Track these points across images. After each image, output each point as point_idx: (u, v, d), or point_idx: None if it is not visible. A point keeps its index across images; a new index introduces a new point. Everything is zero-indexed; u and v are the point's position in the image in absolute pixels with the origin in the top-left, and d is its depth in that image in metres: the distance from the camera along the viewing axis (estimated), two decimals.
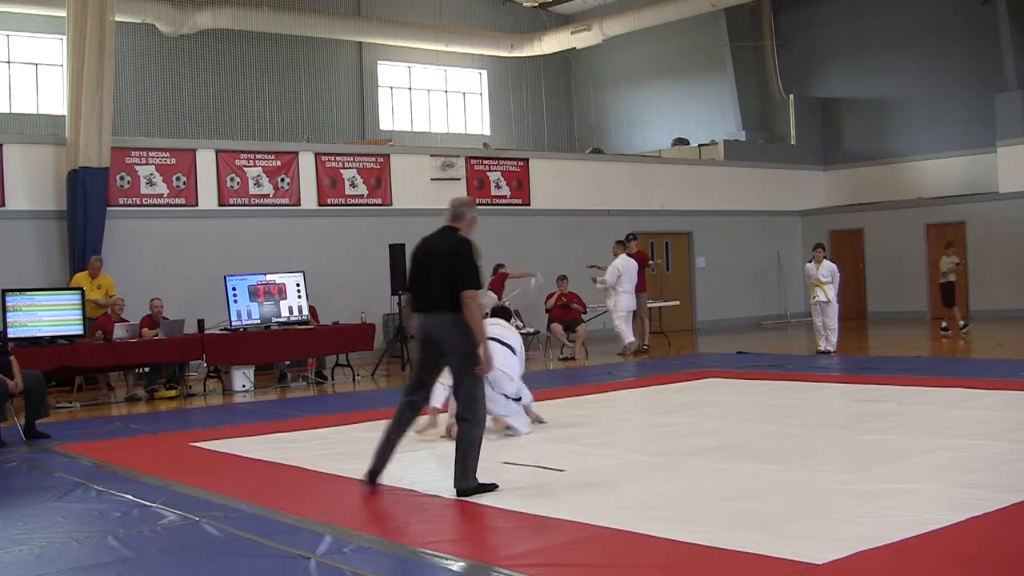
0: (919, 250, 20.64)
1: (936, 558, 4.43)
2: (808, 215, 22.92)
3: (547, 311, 16.07)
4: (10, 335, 10.71)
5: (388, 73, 23.89)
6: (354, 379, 13.60)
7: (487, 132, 24.86)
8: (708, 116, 23.82)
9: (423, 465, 7.33)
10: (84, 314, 12.02)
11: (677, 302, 19.45)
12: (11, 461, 8.11)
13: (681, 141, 23.07)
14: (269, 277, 13.52)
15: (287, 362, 13.82)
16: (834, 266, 14.53)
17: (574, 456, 7.04)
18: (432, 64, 24.34)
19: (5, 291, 11.60)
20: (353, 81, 23.09)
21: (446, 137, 24.08)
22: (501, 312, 9.08)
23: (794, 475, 6.19)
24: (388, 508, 5.85)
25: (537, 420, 8.55)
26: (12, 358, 9.21)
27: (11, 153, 14.47)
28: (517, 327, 9.01)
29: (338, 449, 7.93)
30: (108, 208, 14.66)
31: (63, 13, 14.93)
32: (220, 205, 15.90)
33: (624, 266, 15.39)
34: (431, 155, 18.40)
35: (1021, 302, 19.13)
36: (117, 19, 15.25)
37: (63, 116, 15.37)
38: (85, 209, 14.28)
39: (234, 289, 13.09)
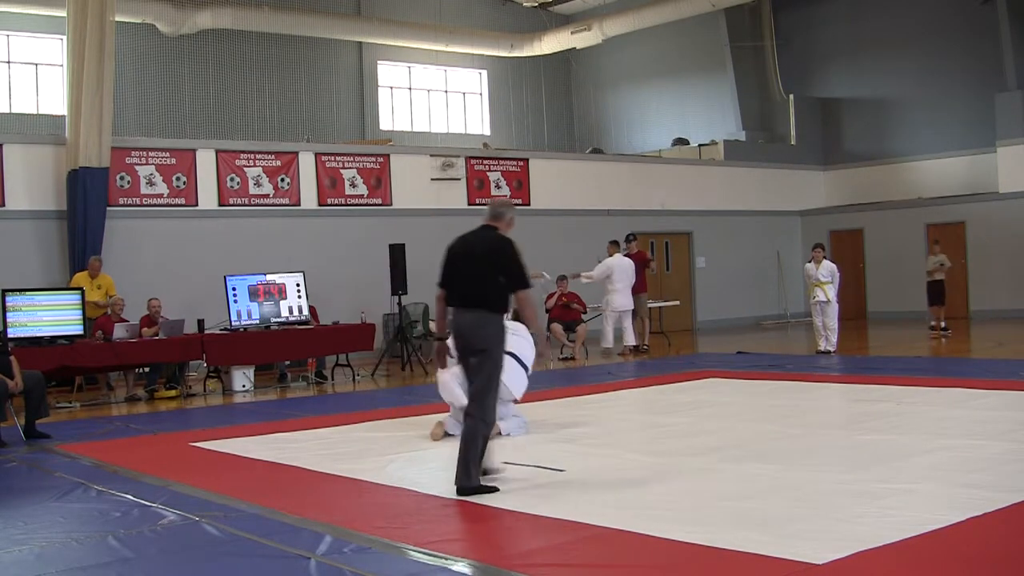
0: (919, 250, 20.60)
1: (936, 558, 4.43)
2: (808, 215, 22.92)
3: (547, 311, 16.06)
4: (10, 335, 10.71)
5: (388, 73, 23.89)
6: (354, 379, 13.60)
7: (487, 132, 24.86)
8: (708, 116, 23.82)
9: (423, 465, 7.33)
10: (84, 314, 12.02)
11: (677, 302, 19.45)
12: (11, 461, 8.11)
13: (681, 141, 23.07)
14: (269, 277, 13.52)
15: (287, 362, 13.82)
16: (834, 266, 14.53)
17: (574, 456, 7.04)
18: (432, 64, 24.35)
19: (5, 291, 11.60)
20: (353, 81, 23.09)
21: (446, 137, 24.08)
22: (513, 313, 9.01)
23: (794, 475, 6.19)
24: (388, 508, 5.85)
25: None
26: (12, 358, 9.21)
27: (11, 153, 14.47)
28: None
29: (338, 449, 7.93)
30: (108, 208, 14.66)
31: (63, 13, 14.93)
32: (220, 205, 15.90)
33: (616, 264, 15.38)
34: (431, 155, 18.40)
35: (1021, 302, 19.13)
36: (117, 19, 15.25)
37: (63, 116, 15.37)
38: (85, 209, 14.27)
39: (234, 289, 13.09)
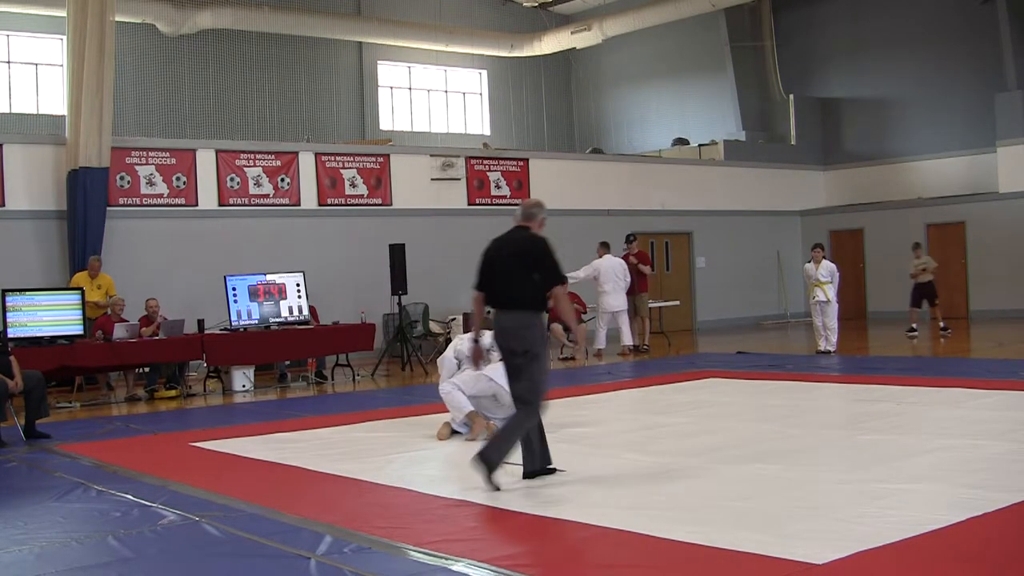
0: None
1: (936, 558, 4.43)
2: (808, 215, 22.92)
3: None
4: (10, 335, 10.71)
5: (388, 73, 23.89)
6: (354, 379, 13.60)
7: (487, 132, 24.86)
8: (708, 116, 23.82)
9: (423, 465, 7.34)
10: (84, 314, 12.02)
11: (677, 302, 19.45)
12: (11, 461, 8.11)
13: (681, 141, 23.07)
14: (269, 277, 13.52)
15: (287, 362, 13.82)
16: (833, 266, 14.54)
17: (574, 456, 7.03)
18: (432, 64, 24.34)
19: (5, 291, 11.60)
20: (353, 81, 23.09)
21: (446, 137, 24.08)
22: None
23: (794, 475, 6.19)
24: (388, 508, 5.85)
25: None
26: (12, 358, 9.21)
27: (11, 153, 14.47)
28: None
29: (338, 449, 7.93)
30: (108, 208, 14.66)
31: (63, 13, 14.93)
32: (220, 205, 15.90)
33: (603, 266, 15.37)
34: (431, 155, 18.40)
35: (1021, 302, 19.13)
36: (117, 19, 15.24)
37: (63, 116, 15.37)
38: (85, 209, 14.27)
39: (234, 289, 13.09)
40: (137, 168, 15.22)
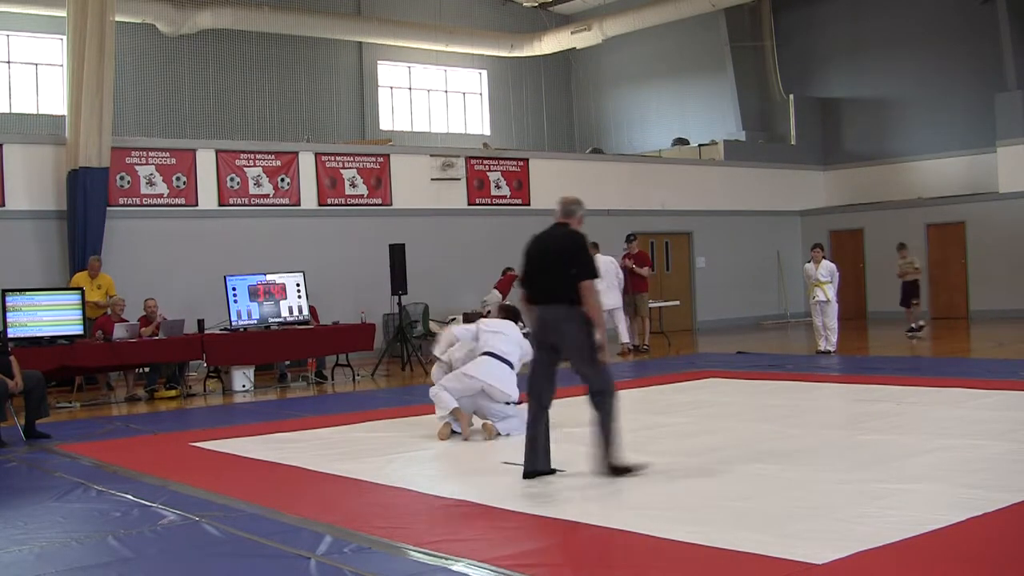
0: (919, 250, 20.60)
1: (936, 558, 4.43)
2: (808, 215, 22.92)
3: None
4: (10, 335, 10.71)
5: (388, 73, 23.88)
6: (354, 379, 13.60)
7: (487, 132, 24.86)
8: (708, 116, 23.81)
9: (423, 465, 7.34)
10: (84, 314, 12.02)
11: (677, 302, 19.45)
12: (11, 461, 8.11)
13: (681, 141, 23.07)
14: (269, 277, 13.52)
15: (287, 362, 13.82)
16: (833, 266, 14.54)
17: (574, 456, 7.03)
18: (432, 64, 24.34)
19: (5, 291, 11.60)
20: (353, 81, 23.09)
21: (446, 137, 24.08)
22: (508, 312, 9.05)
23: (794, 475, 6.19)
24: (388, 508, 5.85)
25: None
26: (12, 358, 9.21)
27: (11, 153, 14.47)
28: (518, 327, 8.98)
29: (338, 449, 7.93)
30: (108, 208, 14.66)
31: (63, 13, 14.93)
32: (220, 205, 15.90)
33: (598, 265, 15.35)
34: (431, 155, 18.40)
35: (1021, 302, 19.13)
36: (117, 19, 15.24)
37: (63, 116, 15.37)
38: (85, 209, 14.27)
39: (234, 289, 13.09)
40: (137, 168, 15.22)
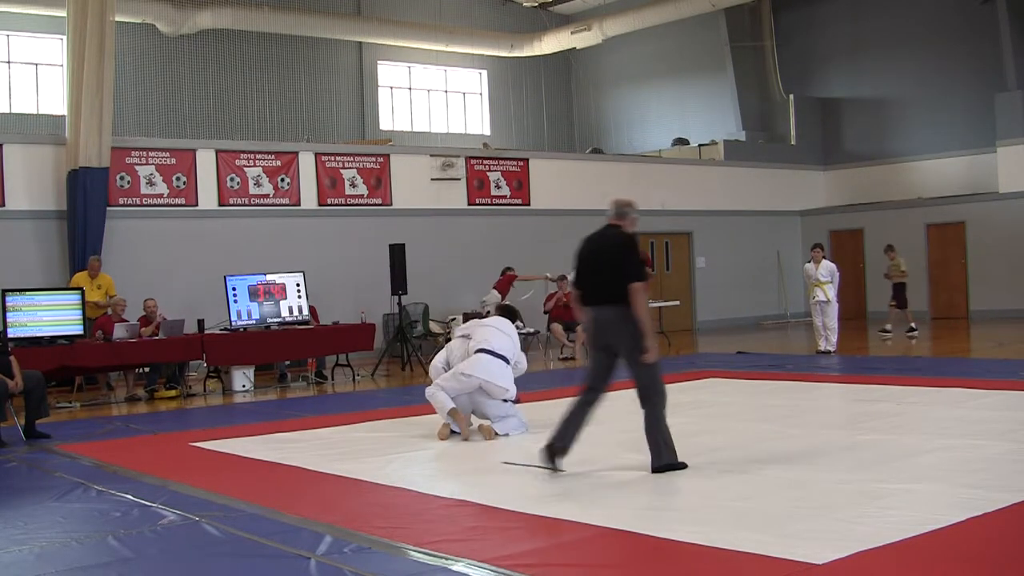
0: (919, 250, 20.61)
1: (936, 558, 4.43)
2: (808, 215, 22.92)
3: (545, 312, 16.06)
4: (10, 335, 10.71)
5: (388, 73, 23.88)
6: (354, 379, 13.60)
7: (487, 132, 24.86)
8: (708, 116, 23.82)
9: (423, 465, 7.34)
10: (84, 314, 12.02)
11: (677, 302, 19.44)
12: (11, 461, 8.11)
13: (681, 141, 23.07)
14: (269, 277, 13.52)
15: (287, 362, 13.82)
16: (833, 266, 14.54)
17: (574, 456, 7.03)
18: (432, 64, 24.34)
19: (5, 291, 11.60)
20: (353, 81, 23.09)
21: (446, 137, 24.08)
22: (506, 311, 9.03)
23: (794, 475, 6.19)
24: (388, 508, 5.85)
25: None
26: (12, 358, 9.21)
27: (11, 153, 14.47)
28: (517, 327, 8.98)
29: (338, 449, 7.93)
30: (108, 208, 14.66)
31: (63, 13, 14.93)
32: (220, 205, 15.90)
33: None
34: (431, 155, 18.40)
35: (1021, 302, 19.13)
36: (117, 19, 15.25)
37: (63, 116, 15.37)
38: (85, 209, 14.27)
39: (234, 289, 13.09)
40: (137, 168, 15.22)
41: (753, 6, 22.96)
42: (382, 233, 16.31)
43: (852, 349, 15.12)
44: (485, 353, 8.13)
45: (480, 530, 5.27)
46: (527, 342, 13.74)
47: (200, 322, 12.82)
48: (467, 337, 8.44)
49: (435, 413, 8.36)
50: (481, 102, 25.49)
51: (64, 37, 15.43)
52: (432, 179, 18.02)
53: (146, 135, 17.52)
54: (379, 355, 15.19)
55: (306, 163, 16.75)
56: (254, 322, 13.08)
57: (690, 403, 9.81)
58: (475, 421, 8.28)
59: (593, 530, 5.09)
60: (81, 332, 11.84)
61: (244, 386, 12.83)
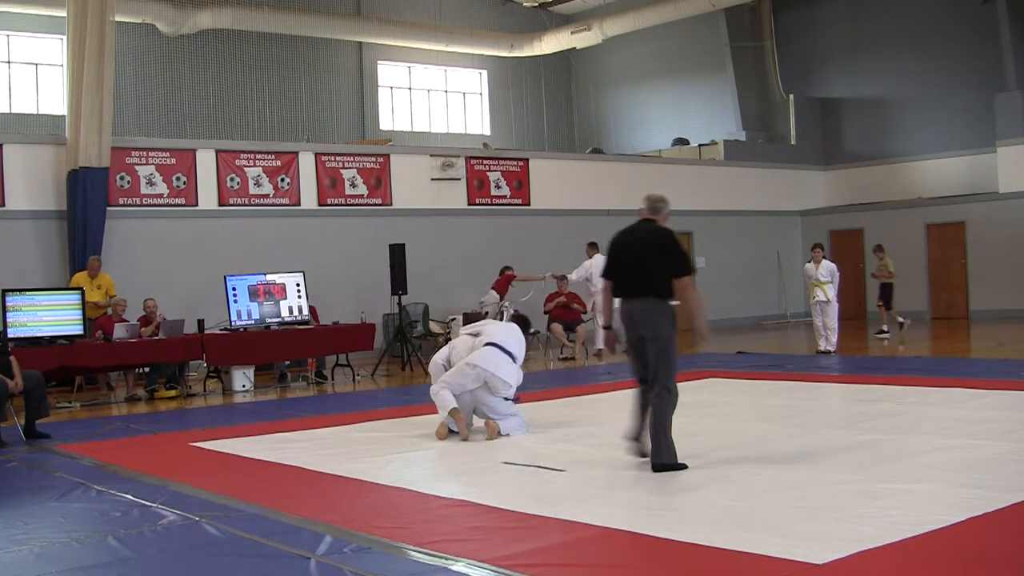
0: (919, 250, 20.62)
1: (936, 558, 4.43)
2: (808, 215, 22.92)
3: (545, 313, 16.06)
4: (10, 335, 10.71)
5: (388, 73, 23.88)
6: (354, 379, 13.60)
7: (487, 132, 24.86)
8: (708, 116, 23.82)
9: (423, 465, 7.34)
10: (84, 314, 12.02)
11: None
12: (11, 461, 8.11)
13: (681, 141, 23.07)
14: (269, 277, 13.52)
15: (287, 362, 13.82)
16: (833, 266, 14.54)
17: (574, 456, 7.04)
18: (432, 64, 24.34)
19: (5, 291, 11.60)
20: (353, 81, 23.09)
21: (446, 137, 24.08)
22: (521, 321, 8.99)
23: (794, 475, 6.19)
24: (388, 508, 5.85)
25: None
26: (12, 358, 9.21)
27: (11, 153, 14.47)
28: (528, 334, 8.99)
29: (338, 449, 7.93)
30: (108, 208, 14.66)
31: (63, 13, 14.93)
32: (220, 205, 15.90)
33: (595, 265, 15.38)
34: (431, 155, 18.40)
35: (1021, 302, 19.13)
36: (117, 19, 15.25)
37: (63, 116, 15.37)
38: (85, 209, 14.28)
39: (234, 289, 13.09)
40: (137, 168, 15.22)
41: (753, 6, 22.97)
42: (382, 233, 16.31)
43: (852, 349, 15.12)
44: (492, 346, 8.14)
45: (480, 530, 5.27)
46: (527, 342, 13.71)
47: (200, 322, 12.82)
48: (475, 335, 8.45)
49: (436, 413, 8.35)
50: (481, 102, 25.49)
51: (64, 37, 15.42)
52: (432, 179, 18.03)
53: (146, 135, 17.52)
54: (379, 355, 15.19)
55: (306, 163, 16.75)
56: (254, 322, 13.08)
57: (690, 403, 9.78)
58: (477, 420, 8.28)
59: (593, 530, 5.08)
60: (81, 332, 11.84)
61: (244, 386, 12.83)
